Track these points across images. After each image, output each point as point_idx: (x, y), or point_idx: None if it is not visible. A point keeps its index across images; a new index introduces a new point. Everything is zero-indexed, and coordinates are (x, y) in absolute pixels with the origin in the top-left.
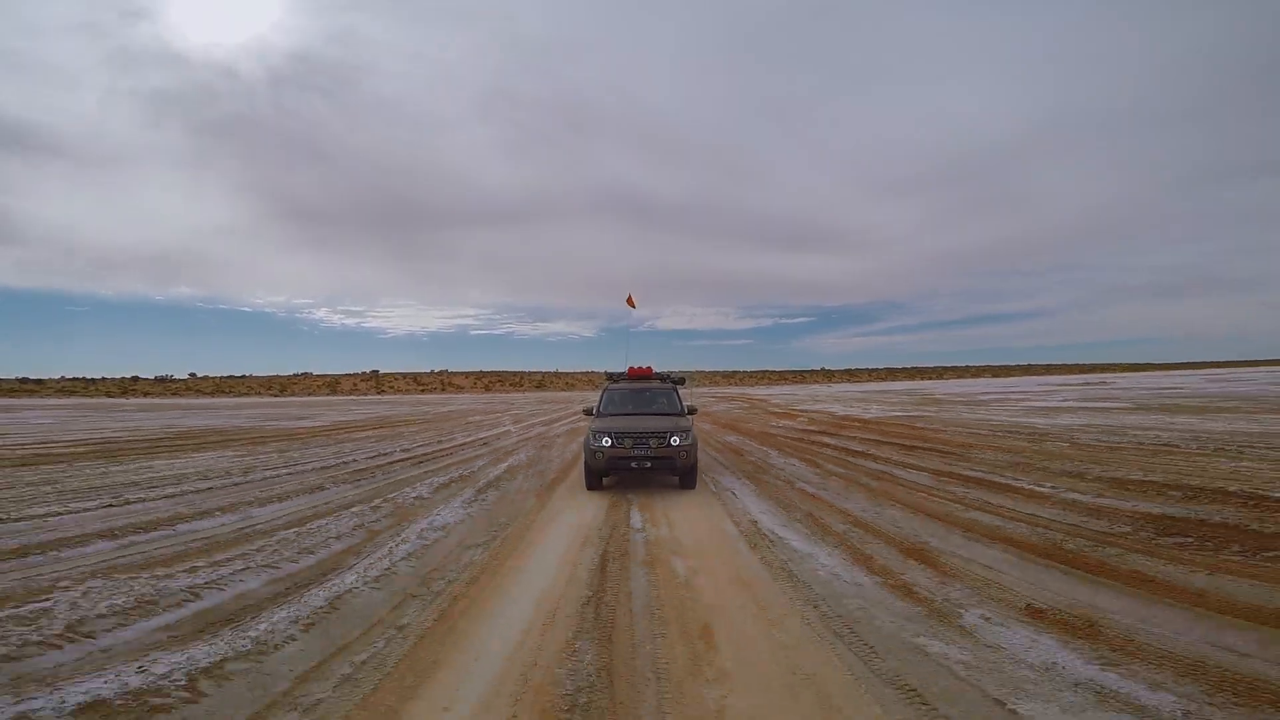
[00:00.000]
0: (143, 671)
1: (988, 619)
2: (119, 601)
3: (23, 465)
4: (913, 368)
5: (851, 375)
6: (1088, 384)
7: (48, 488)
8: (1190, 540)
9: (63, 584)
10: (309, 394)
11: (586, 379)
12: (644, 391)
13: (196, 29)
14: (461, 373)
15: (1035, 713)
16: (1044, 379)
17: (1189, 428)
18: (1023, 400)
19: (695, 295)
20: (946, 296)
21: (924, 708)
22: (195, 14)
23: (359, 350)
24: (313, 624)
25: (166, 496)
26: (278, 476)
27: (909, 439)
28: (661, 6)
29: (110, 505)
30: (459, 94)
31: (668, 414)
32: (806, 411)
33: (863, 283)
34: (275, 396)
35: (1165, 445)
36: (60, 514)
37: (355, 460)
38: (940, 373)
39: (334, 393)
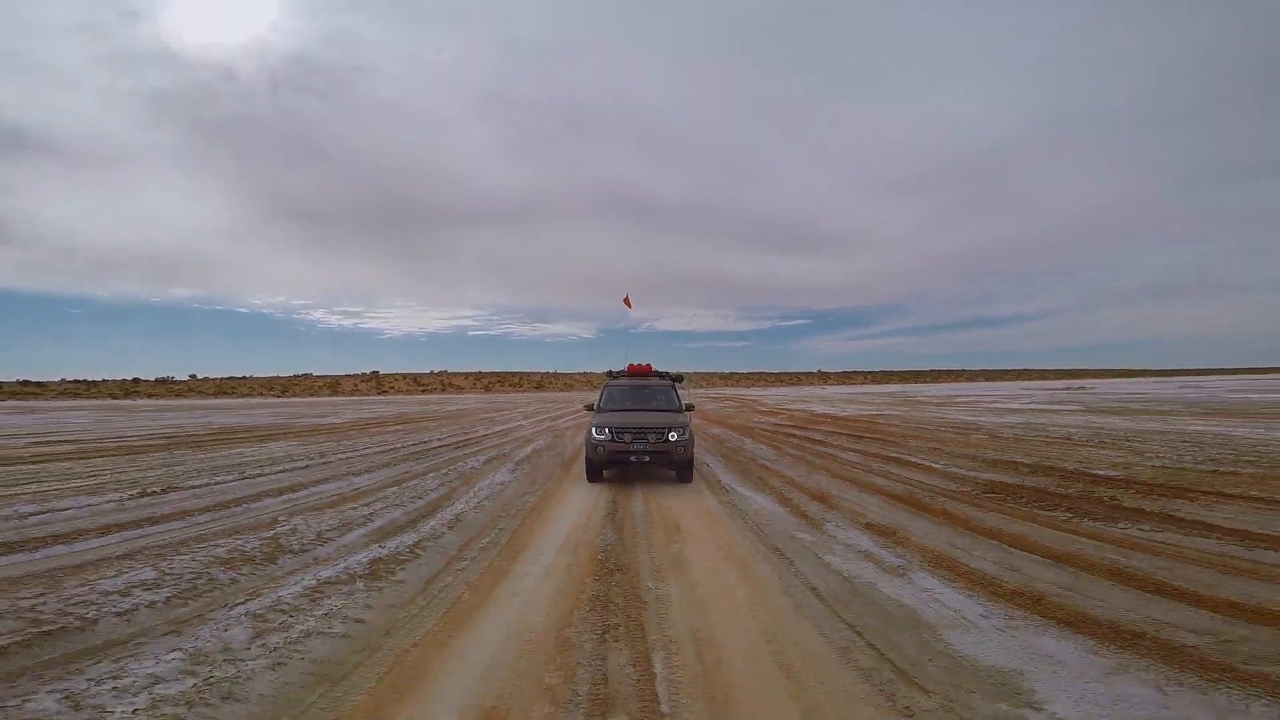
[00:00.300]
0: (382, 548)
1: (839, 527)
2: (329, 524)
3: (135, 453)
4: (909, 371)
5: (848, 378)
6: (1068, 388)
7: (179, 468)
8: (997, 496)
9: (281, 519)
10: (311, 395)
11: (585, 380)
12: (643, 388)
13: (195, 30)
14: (461, 373)
15: (829, 559)
16: (1035, 384)
17: (1101, 426)
18: (992, 403)
19: (694, 296)
20: (945, 299)
21: (778, 553)
22: (193, 15)
23: (357, 351)
24: (450, 528)
25: (281, 471)
26: (350, 458)
27: (863, 431)
28: (658, 8)
29: (244, 478)
30: (456, 95)
31: (666, 410)
32: (789, 410)
33: (861, 285)
34: (278, 397)
35: (1063, 438)
36: (215, 484)
37: (404, 447)
38: (936, 376)
39: (335, 393)
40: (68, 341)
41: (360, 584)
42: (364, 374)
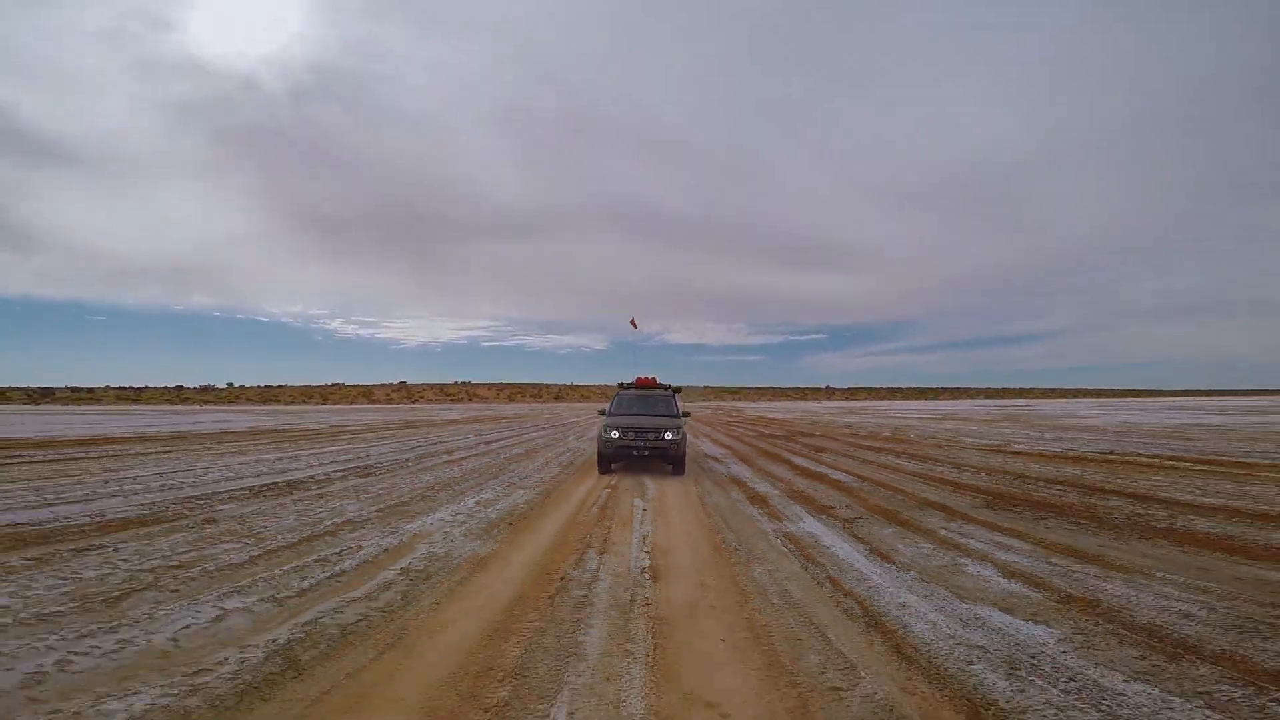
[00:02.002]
0: (585, 435)
1: (706, 437)
2: (566, 434)
3: (400, 429)
4: (914, 388)
5: (852, 394)
6: (1008, 404)
7: (451, 433)
8: (771, 435)
9: (544, 439)
10: (349, 403)
11: (600, 392)
12: (647, 397)
13: (220, 40)
14: (483, 384)
15: (698, 443)
16: (998, 401)
17: (899, 424)
18: (892, 414)
19: (707, 310)
20: (959, 316)
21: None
22: (219, 25)
23: (373, 360)
24: (590, 436)
25: (501, 433)
26: (520, 431)
27: (768, 425)
28: (673, 24)
29: (498, 434)
30: (468, 108)
31: (665, 415)
32: (746, 414)
33: (875, 302)
34: (320, 405)
35: (851, 427)
36: (491, 439)
37: (537, 426)
38: (938, 393)
39: (370, 401)
40: (91, 349)
41: (589, 440)
42: (393, 384)
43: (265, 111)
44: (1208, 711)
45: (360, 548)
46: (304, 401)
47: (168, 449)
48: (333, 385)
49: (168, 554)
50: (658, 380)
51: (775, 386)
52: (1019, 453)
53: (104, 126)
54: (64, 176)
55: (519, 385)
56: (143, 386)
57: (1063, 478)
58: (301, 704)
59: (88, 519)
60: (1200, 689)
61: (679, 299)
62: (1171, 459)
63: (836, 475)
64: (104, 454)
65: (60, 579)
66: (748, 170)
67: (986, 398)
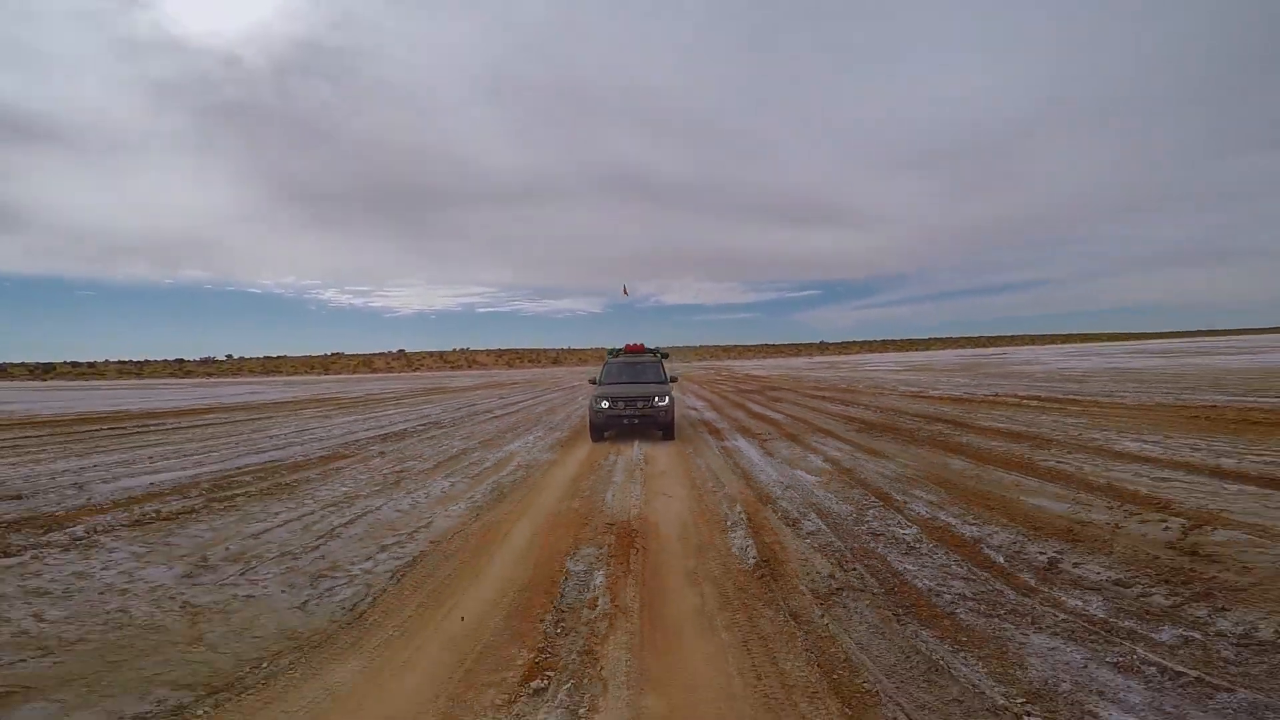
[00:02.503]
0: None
1: (690, 392)
2: (575, 392)
3: (427, 394)
4: (905, 340)
5: (844, 348)
6: (986, 353)
7: (479, 395)
8: (745, 389)
9: (560, 397)
10: (351, 372)
11: (596, 356)
12: (636, 364)
13: (197, 16)
14: (482, 350)
15: (681, 395)
16: (983, 350)
17: (875, 376)
18: (871, 367)
19: (702, 271)
20: (952, 268)
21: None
22: (194, 2)
23: (367, 328)
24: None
25: (521, 396)
26: (533, 393)
27: (749, 381)
28: None
29: (520, 395)
30: (462, 77)
31: (653, 382)
32: (732, 369)
33: (869, 258)
34: (324, 374)
35: (818, 380)
36: (514, 399)
37: (553, 388)
38: (927, 344)
39: (371, 370)
40: (80, 324)
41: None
42: (392, 352)
43: (247, 87)
44: (847, 504)
45: (487, 459)
46: (307, 372)
47: (263, 415)
48: (333, 355)
49: (387, 468)
50: (645, 346)
51: (770, 344)
52: (929, 397)
53: (84, 105)
54: (45, 155)
55: (517, 350)
56: (144, 360)
57: (931, 413)
58: (514, 500)
59: (299, 458)
60: (849, 500)
61: (674, 260)
62: (1030, 398)
63: (776, 416)
64: (219, 421)
65: (349, 480)
66: (743, 136)
67: (975, 347)
